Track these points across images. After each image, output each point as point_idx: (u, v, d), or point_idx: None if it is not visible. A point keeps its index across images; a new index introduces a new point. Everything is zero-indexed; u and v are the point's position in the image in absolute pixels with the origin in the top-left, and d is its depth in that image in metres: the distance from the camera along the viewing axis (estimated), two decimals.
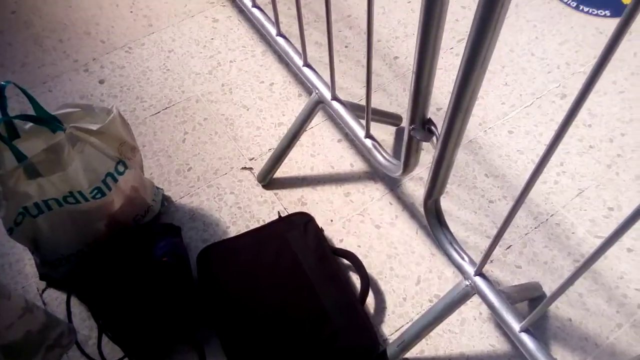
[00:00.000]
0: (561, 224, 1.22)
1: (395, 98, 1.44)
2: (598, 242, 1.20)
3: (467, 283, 0.94)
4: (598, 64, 0.47)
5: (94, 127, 0.97)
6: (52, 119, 0.95)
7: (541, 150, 1.33)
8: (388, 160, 1.07)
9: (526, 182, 0.67)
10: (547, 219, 1.23)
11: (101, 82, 1.47)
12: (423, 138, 0.88)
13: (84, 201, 1.01)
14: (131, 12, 1.62)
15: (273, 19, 1.19)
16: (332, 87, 1.12)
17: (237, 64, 1.51)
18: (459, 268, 0.95)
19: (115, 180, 1.04)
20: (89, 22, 1.60)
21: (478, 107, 1.41)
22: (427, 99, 0.83)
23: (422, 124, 0.87)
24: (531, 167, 1.28)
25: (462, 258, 0.94)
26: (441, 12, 0.70)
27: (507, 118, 1.39)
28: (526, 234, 1.22)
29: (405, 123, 0.90)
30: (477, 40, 0.63)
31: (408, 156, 0.96)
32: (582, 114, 1.39)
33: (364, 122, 1.07)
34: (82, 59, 1.51)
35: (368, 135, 1.09)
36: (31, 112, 0.98)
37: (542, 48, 1.52)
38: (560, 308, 1.12)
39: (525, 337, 0.87)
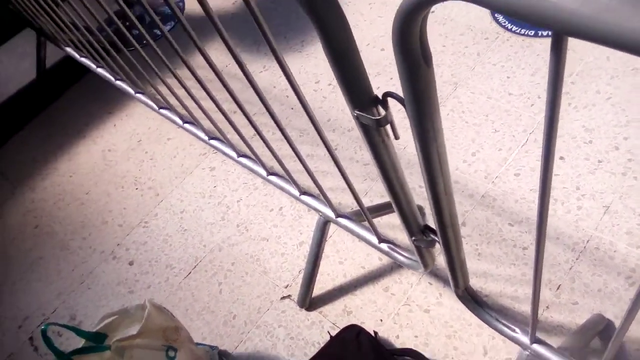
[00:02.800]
0: (600, 246, 1.22)
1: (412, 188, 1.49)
2: None
3: (527, 353, 0.94)
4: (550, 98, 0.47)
5: (134, 331, 1.03)
6: (94, 338, 1.02)
7: (553, 181, 1.34)
8: (409, 259, 1.09)
9: (537, 223, 0.67)
10: (585, 247, 1.23)
11: (130, 263, 1.55)
12: (428, 245, 0.91)
13: None
14: (136, 189, 1.73)
15: (260, 161, 1.27)
16: (332, 208, 1.16)
17: (244, 202, 1.58)
18: (514, 341, 0.95)
19: None
20: (102, 211, 1.71)
21: (478, 162, 1.44)
22: (415, 215, 0.87)
23: (421, 233, 0.91)
24: (550, 202, 1.29)
25: (514, 331, 0.95)
26: (392, 159, 0.75)
27: (509, 162, 1.41)
28: (570, 269, 1.21)
29: (406, 236, 0.94)
30: (430, 175, 0.67)
31: (422, 257, 0.99)
32: (579, 132, 1.41)
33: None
34: (107, 249, 1.61)
35: (381, 240, 1.13)
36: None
37: (517, 85, 1.56)
38: (631, 330, 1.10)
39: None
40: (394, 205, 0.84)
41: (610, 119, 1.40)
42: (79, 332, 1.04)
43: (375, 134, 0.69)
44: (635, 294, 0.68)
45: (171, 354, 1.10)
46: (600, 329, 1.11)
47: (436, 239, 0.88)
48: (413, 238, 0.91)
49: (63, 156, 1.92)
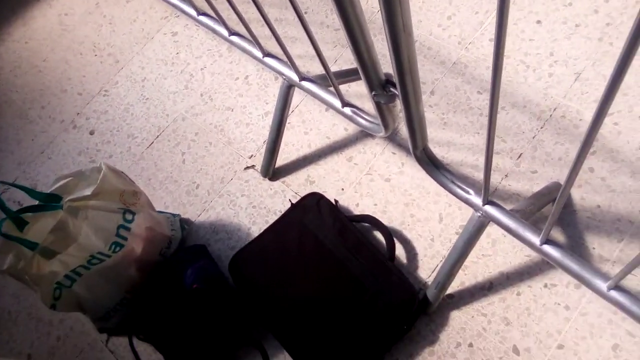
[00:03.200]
0: (566, 114, 1.19)
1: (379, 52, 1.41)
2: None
3: (479, 214, 0.94)
4: None
5: (89, 192, 1.02)
6: (48, 199, 1.00)
7: (527, 46, 1.28)
8: (371, 122, 1.06)
9: (491, 83, 0.65)
10: (551, 115, 1.20)
11: (91, 133, 1.51)
12: (388, 101, 0.87)
13: (107, 258, 1.07)
14: (95, 55, 1.64)
15: (222, 20, 1.19)
16: (296, 71, 1.11)
17: (208, 69, 1.51)
18: (467, 202, 0.95)
19: (128, 229, 1.09)
20: (61, 79, 1.63)
21: (453, 26, 1.37)
22: (375, 65, 0.82)
23: (381, 88, 0.86)
24: (521, 69, 1.25)
25: (468, 192, 0.94)
26: None
27: (485, 26, 1.34)
28: (534, 137, 1.19)
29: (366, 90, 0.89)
30: (388, 6, 0.61)
31: (383, 117, 0.95)
32: None
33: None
34: (67, 118, 1.56)
35: (345, 104, 1.09)
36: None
37: None
38: (586, 198, 1.11)
39: (548, 248, 0.87)
40: (350, 48, 0.78)
41: None
42: (31, 192, 1.03)
43: None
44: (577, 152, 0.66)
45: (128, 217, 1.10)
46: (555, 196, 1.12)
47: (396, 92, 0.84)
48: (373, 93, 0.87)
49: (17, 21, 1.80)
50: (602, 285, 0.83)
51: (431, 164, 0.96)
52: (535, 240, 0.88)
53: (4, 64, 1.71)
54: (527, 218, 0.99)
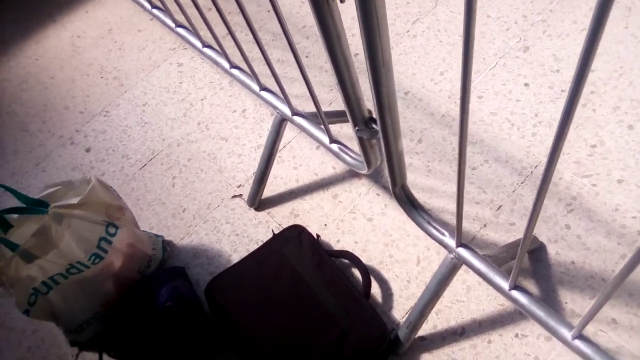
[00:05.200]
0: None
1: (364, 93, 1.47)
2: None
3: (452, 256, 0.97)
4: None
5: (75, 201, 1.04)
6: (35, 204, 1.02)
7: (513, 106, 1.34)
8: (355, 159, 1.10)
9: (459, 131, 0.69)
10: (531, 172, 1.24)
11: (87, 150, 1.55)
12: (370, 136, 0.91)
13: (86, 269, 1.08)
14: (102, 77, 1.70)
15: (224, 53, 1.24)
16: (289, 105, 1.16)
17: (208, 100, 1.57)
18: (442, 244, 0.97)
19: (110, 242, 1.11)
20: (65, 97, 1.68)
21: (444, 81, 1.43)
22: (359, 101, 0.87)
23: (364, 124, 0.90)
24: (506, 126, 1.30)
25: (442, 234, 0.97)
26: (336, 24, 0.73)
27: (475, 84, 1.40)
28: (514, 191, 1.23)
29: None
30: (369, 40, 0.66)
31: (366, 154, 0.99)
32: (548, 60, 1.39)
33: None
34: (66, 134, 1.59)
35: (332, 141, 1.13)
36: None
37: (496, 8, 1.53)
38: (561, 253, 1.13)
39: (516, 294, 0.89)
40: (337, 85, 0.83)
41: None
42: (19, 195, 1.05)
43: None
44: (534, 199, 0.69)
45: (111, 230, 1.12)
46: (532, 249, 1.14)
47: (377, 128, 0.88)
48: (357, 128, 0.91)
49: (31, 39, 1.87)
50: (567, 334, 0.84)
51: (409, 203, 0.99)
52: (505, 285, 0.90)
53: (13, 78, 1.77)
54: (500, 264, 1.01)
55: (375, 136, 0.91)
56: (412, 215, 1.00)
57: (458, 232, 0.91)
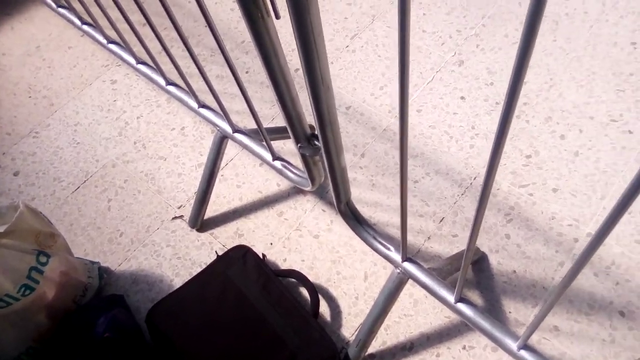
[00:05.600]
0: None
1: (306, 107, 1.47)
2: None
3: (399, 271, 0.97)
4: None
5: (2, 229, 0.97)
6: None
7: (451, 119, 1.37)
8: (299, 176, 1.09)
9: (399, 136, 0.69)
10: (470, 183, 1.27)
11: (15, 174, 1.46)
12: (312, 153, 0.90)
13: (15, 301, 1.00)
14: (30, 97, 1.61)
15: (160, 70, 1.21)
16: (229, 122, 1.13)
17: (144, 119, 1.51)
18: (388, 259, 0.97)
19: (41, 272, 1.04)
20: None
21: (384, 95, 1.44)
22: (300, 117, 0.86)
23: (307, 140, 0.89)
24: (445, 139, 1.32)
25: (388, 249, 0.97)
26: (272, 40, 0.72)
27: (413, 98, 1.42)
28: (455, 203, 1.25)
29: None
30: (307, 57, 0.65)
31: (310, 171, 0.98)
32: (482, 73, 1.43)
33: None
34: None
35: (275, 158, 1.11)
36: None
37: (431, 23, 1.56)
38: (503, 263, 1.15)
39: (462, 307, 0.90)
40: (277, 101, 0.81)
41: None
42: None
43: (253, 7, 0.65)
44: (475, 210, 0.70)
45: (42, 259, 1.05)
46: (474, 260, 1.16)
47: (319, 144, 0.87)
48: (299, 145, 0.90)
49: None
50: (513, 345, 0.86)
51: (354, 219, 0.99)
52: (450, 298, 0.91)
53: None
54: (445, 277, 1.02)
55: (318, 152, 0.90)
56: (358, 231, 0.99)
57: (403, 247, 0.91)
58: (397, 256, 0.95)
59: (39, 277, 1.03)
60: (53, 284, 1.07)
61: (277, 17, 0.68)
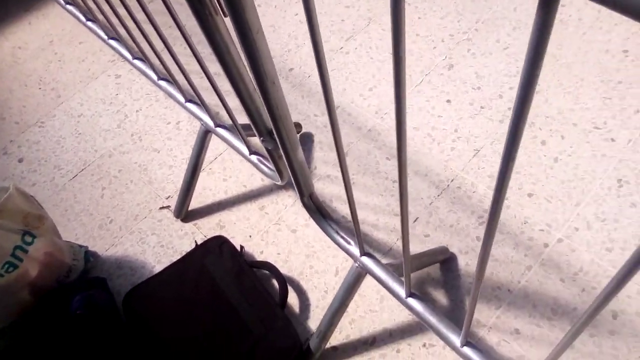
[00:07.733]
0: (462, 186, 1.28)
1: (295, 107, 1.51)
2: None
3: (357, 265, 0.99)
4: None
5: None
6: None
7: (435, 121, 1.39)
8: (272, 170, 1.13)
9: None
10: (448, 185, 1.28)
11: (20, 160, 1.54)
12: (274, 148, 0.94)
13: None
14: (40, 88, 1.70)
15: (151, 66, 1.27)
16: (211, 117, 1.18)
17: (143, 112, 1.58)
18: (347, 252, 1.00)
19: (25, 251, 1.11)
20: (2, 107, 1.68)
21: (372, 97, 1.47)
22: (261, 113, 0.89)
23: (269, 135, 0.93)
24: (428, 141, 1.34)
25: (348, 242, 1.00)
26: (223, 37, 0.76)
27: None
28: (430, 204, 1.27)
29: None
30: (249, 55, 0.69)
31: (276, 165, 1.02)
32: (470, 78, 1.45)
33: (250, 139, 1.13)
34: (0, 144, 1.59)
35: (252, 152, 1.15)
36: None
37: (425, 26, 1.58)
38: (470, 264, 1.17)
39: (412, 302, 0.92)
40: (236, 95, 0.86)
41: (502, 69, 1.44)
42: None
43: (198, 5, 0.70)
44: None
45: (28, 239, 1.12)
46: (441, 259, 1.18)
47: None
48: (262, 139, 0.94)
49: None
50: (456, 341, 0.87)
51: (317, 212, 1.02)
52: (402, 292, 0.93)
53: None
54: (402, 274, 1.04)
55: (278, 147, 0.93)
56: (321, 224, 1.02)
57: (360, 243, 0.94)
58: (356, 250, 0.98)
59: (23, 256, 1.10)
60: (37, 263, 1.13)
61: (225, 15, 0.72)
